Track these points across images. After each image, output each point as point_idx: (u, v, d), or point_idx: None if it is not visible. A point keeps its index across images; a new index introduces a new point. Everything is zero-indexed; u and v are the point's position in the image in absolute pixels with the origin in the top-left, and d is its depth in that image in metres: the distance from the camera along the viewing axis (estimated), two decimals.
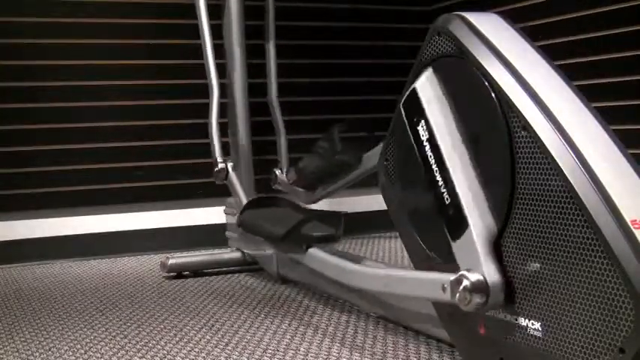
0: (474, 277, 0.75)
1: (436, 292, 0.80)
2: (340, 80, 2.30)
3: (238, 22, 1.62)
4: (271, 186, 1.60)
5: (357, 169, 1.19)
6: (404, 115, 0.88)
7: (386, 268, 1.01)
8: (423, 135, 0.84)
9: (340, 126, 1.24)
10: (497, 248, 0.76)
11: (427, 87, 0.85)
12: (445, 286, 0.78)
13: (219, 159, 1.51)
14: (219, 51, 1.65)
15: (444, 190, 0.80)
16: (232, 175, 1.52)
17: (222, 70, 1.65)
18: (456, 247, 0.79)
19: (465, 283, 0.75)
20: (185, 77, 2.10)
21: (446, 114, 0.82)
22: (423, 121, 0.84)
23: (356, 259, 1.19)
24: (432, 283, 0.81)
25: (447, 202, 0.80)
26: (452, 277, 0.77)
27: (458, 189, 0.78)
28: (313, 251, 1.17)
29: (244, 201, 1.47)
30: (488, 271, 0.75)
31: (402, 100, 0.88)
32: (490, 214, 0.76)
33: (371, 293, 1.10)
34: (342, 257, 1.10)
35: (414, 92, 0.85)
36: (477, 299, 0.74)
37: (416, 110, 0.85)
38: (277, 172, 1.58)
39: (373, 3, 2.35)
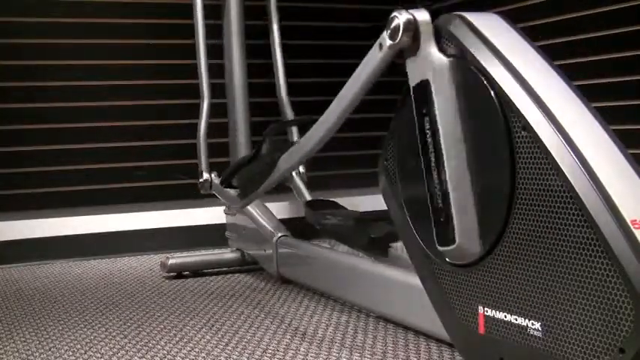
0: (404, 16, 0.78)
1: (376, 56, 0.85)
2: (340, 80, 2.29)
3: (238, 22, 1.62)
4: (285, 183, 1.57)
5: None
6: (413, 106, 0.84)
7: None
8: (428, 130, 0.82)
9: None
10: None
11: (439, 78, 0.81)
12: (381, 42, 0.82)
13: (204, 171, 1.53)
14: (219, 51, 1.65)
15: (439, 193, 0.81)
16: (216, 184, 1.53)
17: (222, 71, 1.65)
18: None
19: (396, 21, 0.79)
20: (185, 77, 2.10)
21: (451, 111, 0.81)
22: (429, 116, 0.81)
23: None
24: (372, 52, 0.86)
25: (439, 207, 0.81)
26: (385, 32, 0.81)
27: (451, 201, 0.79)
28: (283, 157, 1.17)
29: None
30: (418, 14, 0.79)
31: (412, 88, 0.84)
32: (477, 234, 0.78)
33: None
34: None
35: (426, 83, 0.81)
36: (407, 36, 0.78)
37: (425, 102, 0.82)
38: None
39: (373, 3, 2.34)
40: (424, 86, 0.80)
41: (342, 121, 1.00)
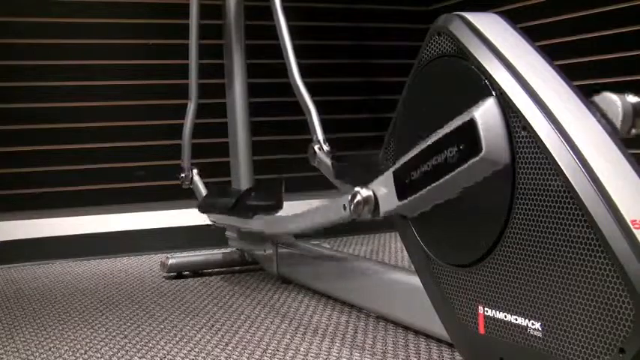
0: (365, 192, 0.91)
1: (340, 213, 0.97)
2: (340, 80, 2.30)
3: (238, 22, 1.61)
4: (310, 163, 1.56)
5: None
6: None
7: (301, 212, 1.21)
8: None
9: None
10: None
11: None
12: (345, 205, 0.95)
13: (186, 168, 1.68)
14: (219, 51, 1.65)
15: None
16: (197, 179, 1.68)
17: (222, 71, 1.65)
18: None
19: (358, 197, 0.91)
20: (185, 77, 2.09)
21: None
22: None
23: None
24: (337, 205, 0.99)
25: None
26: (349, 197, 0.93)
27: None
28: (258, 217, 1.36)
29: None
30: (377, 188, 0.91)
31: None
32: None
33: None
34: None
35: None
36: (367, 209, 0.91)
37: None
38: (316, 147, 1.53)
39: (373, 3, 2.35)
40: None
41: (299, 232, 1.26)
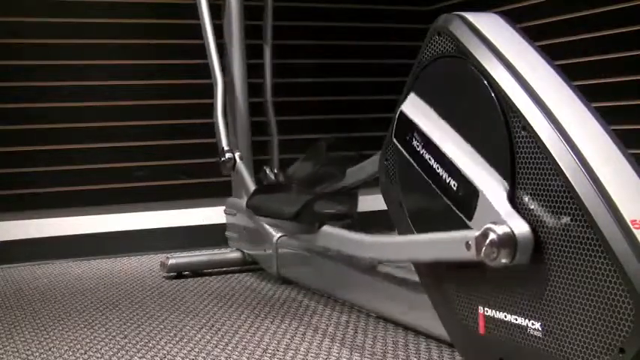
0: (501, 229, 0.70)
1: (460, 252, 0.75)
2: (340, 80, 2.29)
3: (238, 22, 1.62)
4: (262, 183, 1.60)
5: (341, 181, 1.26)
6: (397, 144, 0.90)
7: (404, 236, 0.93)
8: (419, 147, 0.86)
9: (327, 140, 1.30)
10: (513, 201, 0.72)
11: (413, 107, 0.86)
12: (469, 242, 0.73)
13: (226, 148, 1.46)
14: (220, 51, 1.65)
15: (449, 179, 0.80)
16: (240, 164, 1.47)
17: (223, 70, 1.65)
18: (475, 223, 0.74)
19: (492, 236, 0.70)
20: (185, 77, 2.10)
21: (438, 121, 0.83)
22: (416, 134, 0.86)
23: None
24: (455, 241, 0.76)
25: (455, 188, 0.78)
26: (476, 232, 0.72)
27: (462, 169, 0.77)
28: (327, 229, 1.13)
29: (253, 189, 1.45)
30: (515, 224, 0.70)
31: (393, 130, 0.90)
32: (498, 174, 0.74)
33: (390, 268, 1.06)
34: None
35: (402, 114, 0.88)
36: (505, 254, 0.70)
37: (408, 129, 0.87)
38: (267, 169, 1.57)
39: (374, 3, 2.34)
40: None
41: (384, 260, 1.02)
